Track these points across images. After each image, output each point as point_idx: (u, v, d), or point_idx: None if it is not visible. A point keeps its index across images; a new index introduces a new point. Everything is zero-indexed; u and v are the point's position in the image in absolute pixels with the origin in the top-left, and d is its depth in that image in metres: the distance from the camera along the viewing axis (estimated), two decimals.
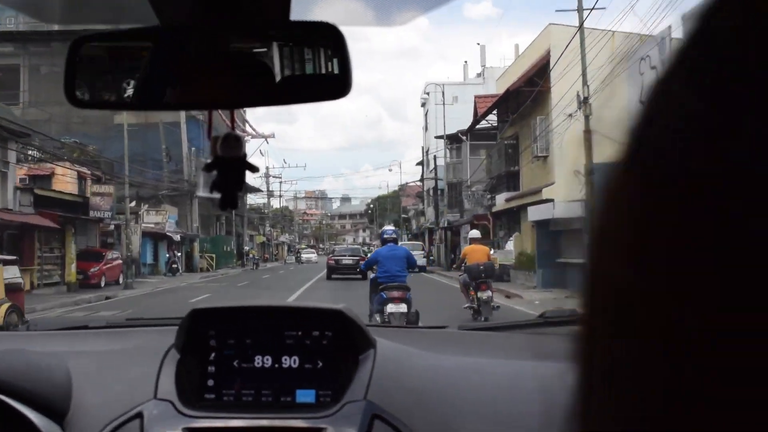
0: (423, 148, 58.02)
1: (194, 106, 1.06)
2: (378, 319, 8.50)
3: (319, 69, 0.96)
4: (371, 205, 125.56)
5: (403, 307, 8.58)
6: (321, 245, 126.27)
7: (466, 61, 54.88)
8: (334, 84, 0.95)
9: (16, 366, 1.31)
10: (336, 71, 0.94)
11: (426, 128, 55.23)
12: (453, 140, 43.74)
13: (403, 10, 0.94)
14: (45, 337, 1.79)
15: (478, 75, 52.48)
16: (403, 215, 67.69)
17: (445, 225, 38.23)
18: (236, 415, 1.35)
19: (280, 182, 75.79)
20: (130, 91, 0.98)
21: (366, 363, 1.39)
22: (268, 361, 1.42)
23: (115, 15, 1.06)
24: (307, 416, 1.33)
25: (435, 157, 45.21)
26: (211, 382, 1.41)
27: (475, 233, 13.35)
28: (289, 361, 1.42)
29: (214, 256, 45.75)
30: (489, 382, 1.39)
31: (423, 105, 56.60)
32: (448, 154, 44.05)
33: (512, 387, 1.38)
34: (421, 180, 55.48)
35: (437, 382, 1.38)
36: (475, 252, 12.07)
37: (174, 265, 34.46)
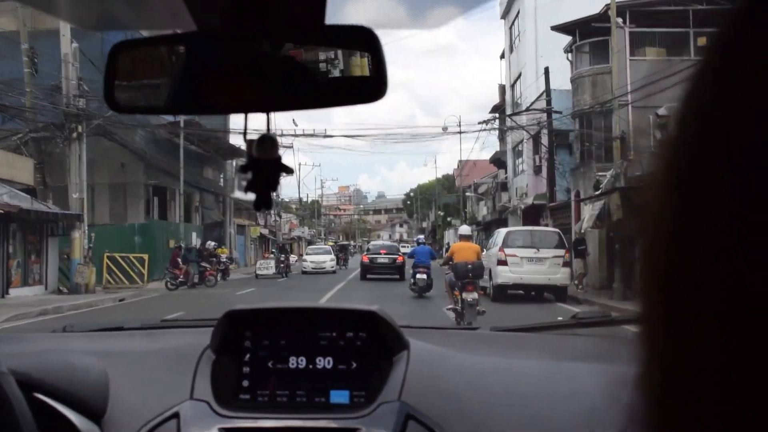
0: (504, 86, 36.37)
1: (231, 109, 1.07)
2: (412, 280, 16.67)
3: (355, 72, 0.97)
4: (411, 194, 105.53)
5: (424, 276, 16.09)
6: (352, 242, 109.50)
7: None
8: (370, 87, 0.95)
9: (55, 366, 1.34)
10: (371, 74, 0.95)
11: (511, 49, 33.64)
12: (584, 35, 22.46)
13: (438, 11, 0.90)
14: (82, 338, 1.81)
15: None
16: (467, 193, 46.08)
17: (607, 187, 16.45)
18: (271, 416, 1.36)
19: (292, 154, 54.90)
20: (168, 96, 1.00)
21: (400, 364, 1.40)
22: (303, 361, 1.43)
23: (153, 21, 1.03)
24: (341, 417, 1.34)
25: (546, 71, 23.67)
26: (246, 383, 1.42)
27: (465, 229, 12.96)
28: (323, 362, 1.42)
29: (145, 257, 25.41)
30: (522, 383, 1.39)
31: (504, 15, 34.80)
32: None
33: (545, 388, 1.36)
34: (501, 132, 33.80)
35: (471, 383, 1.38)
36: (463, 250, 11.31)
37: None
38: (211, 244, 29.47)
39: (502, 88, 36.09)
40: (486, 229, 41.75)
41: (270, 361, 1.43)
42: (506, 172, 34.39)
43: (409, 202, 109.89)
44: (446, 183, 75.98)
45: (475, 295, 10.64)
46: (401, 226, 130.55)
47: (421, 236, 16.89)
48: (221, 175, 40.38)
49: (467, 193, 45.62)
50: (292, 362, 1.43)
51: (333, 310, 1.52)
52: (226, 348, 1.45)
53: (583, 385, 1.35)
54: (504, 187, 34.98)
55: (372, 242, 40.39)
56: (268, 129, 0.98)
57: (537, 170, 27.41)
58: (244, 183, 0.97)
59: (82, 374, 1.36)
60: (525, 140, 28.88)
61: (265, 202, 0.96)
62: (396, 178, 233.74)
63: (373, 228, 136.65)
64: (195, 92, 0.99)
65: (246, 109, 0.98)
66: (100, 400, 1.34)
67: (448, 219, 59.43)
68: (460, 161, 48.93)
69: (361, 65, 0.96)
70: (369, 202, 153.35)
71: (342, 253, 40.77)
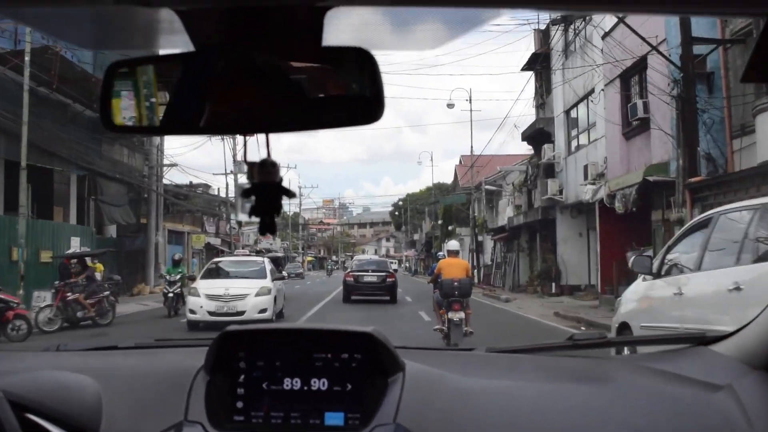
0: (542, 29, 25.19)
1: (228, 130, 1.10)
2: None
3: (352, 93, 0.98)
4: (401, 203, 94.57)
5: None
6: (334, 258, 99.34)
7: None
8: (367, 108, 0.95)
9: (48, 386, 1.35)
10: (368, 95, 0.95)
11: None
12: None
13: (435, 35, 0.92)
14: (75, 356, 1.79)
15: None
16: (486, 186, 34.46)
17: None
18: None
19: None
20: (164, 116, 1.00)
21: (395, 386, 1.39)
22: (297, 383, 1.42)
23: (150, 39, 1.00)
24: None
25: None
26: (240, 404, 1.41)
27: (453, 244, 11.74)
28: (318, 384, 1.42)
29: None
30: (518, 405, 1.37)
31: None
32: None
33: (541, 410, 1.35)
34: (541, 95, 22.58)
35: (466, 404, 1.37)
36: (451, 266, 10.42)
37: None
38: (76, 253, 17.74)
39: (541, 33, 24.84)
40: (512, 238, 30.25)
41: (265, 382, 1.43)
42: (554, 150, 23.05)
43: (397, 213, 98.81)
44: (440, 193, 64.79)
45: (462, 314, 9.84)
46: (388, 240, 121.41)
47: (441, 253, 15.34)
48: (145, 160, 28.80)
49: (487, 186, 34.18)
50: (287, 383, 1.42)
51: (328, 331, 1.50)
52: (221, 368, 1.44)
53: (579, 406, 1.36)
54: (549, 171, 23.61)
55: (357, 257, 33.54)
56: (268, 151, 1.00)
57: (632, 130, 16.10)
58: (247, 206, 0.98)
59: (76, 394, 1.36)
60: (603, 86, 17.56)
61: (269, 227, 0.98)
62: (381, 193, 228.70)
63: (358, 242, 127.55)
64: (192, 112, 0.98)
65: (243, 130, 1.00)
66: (93, 421, 1.33)
67: (449, 228, 48.01)
68: (471, 154, 37.44)
69: (358, 86, 0.96)
70: (354, 215, 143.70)
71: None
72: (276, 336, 1.50)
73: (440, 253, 24.47)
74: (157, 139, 29.08)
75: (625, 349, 4.20)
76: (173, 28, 0.86)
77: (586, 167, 18.67)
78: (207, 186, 40.58)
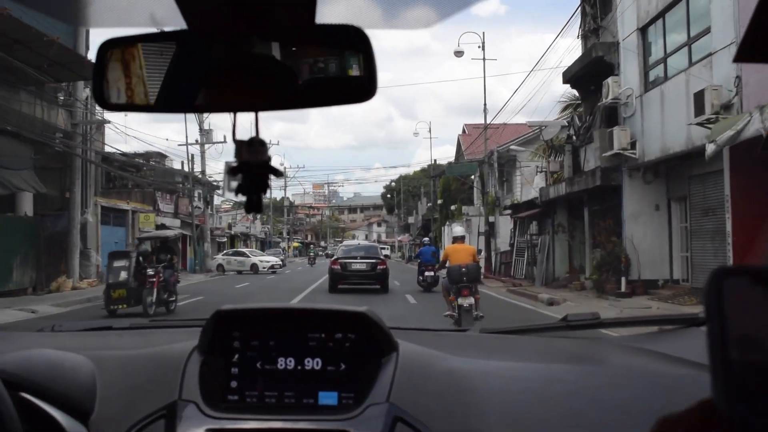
0: None
1: (220, 108, 1.08)
2: (420, 277, 19.76)
3: (345, 72, 0.98)
4: (393, 184, 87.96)
5: (431, 273, 17.96)
6: (322, 244, 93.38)
7: None
8: (360, 86, 0.96)
9: (42, 365, 1.34)
10: (361, 74, 0.96)
11: None
12: None
13: (427, 13, 0.94)
14: (70, 337, 1.84)
15: None
16: (509, 146, 27.65)
17: None
18: (259, 417, 1.36)
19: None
20: (157, 94, 1.00)
21: (388, 366, 1.40)
22: (291, 362, 1.43)
23: (143, 18, 1.02)
24: (329, 418, 1.35)
25: None
26: (234, 384, 1.42)
27: (458, 230, 11.76)
28: (312, 363, 1.42)
29: None
30: (511, 386, 1.39)
31: None
32: None
33: (535, 390, 1.37)
34: (593, 19, 15.81)
35: (460, 385, 1.38)
36: (457, 252, 10.67)
37: None
38: None
39: None
40: (543, 215, 23.56)
41: (259, 361, 1.43)
42: (619, 88, 16.30)
43: (389, 196, 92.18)
44: (435, 173, 57.97)
45: (471, 300, 9.97)
46: (379, 225, 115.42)
47: (426, 238, 16.25)
48: (69, 115, 22.01)
49: (513, 147, 27.41)
50: (281, 363, 1.43)
51: (322, 311, 1.50)
52: (215, 348, 1.45)
53: (572, 386, 1.36)
54: (611, 117, 16.91)
55: (345, 242, 30.95)
56: (257, 129, 1.00)
57: None
58: (233, 184, 0.98)
59: (70, 374, 1.36)
60: None
61: (255, 205, 0.98)
62: (371, 178, 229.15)
63: (348, 227, 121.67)
64: (184, 90, 0.99)
65: (235, 108, 0.99)
66: (87, 400, 1.34)
67: (451, 207, 41.33)
68: (485, 110, 30.69)
69: (351, 65, 0.96)
70: (344, 200, 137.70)
71: (161, 262, 15.71)
72: (270, 316, 1.50)
73: (425, 239, 24.04)
74: (83, 92, 22.31)
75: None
76: (167, 6, 0.86)
77: (700, 95, 11.97)
78: (162, 156, 33.67)
